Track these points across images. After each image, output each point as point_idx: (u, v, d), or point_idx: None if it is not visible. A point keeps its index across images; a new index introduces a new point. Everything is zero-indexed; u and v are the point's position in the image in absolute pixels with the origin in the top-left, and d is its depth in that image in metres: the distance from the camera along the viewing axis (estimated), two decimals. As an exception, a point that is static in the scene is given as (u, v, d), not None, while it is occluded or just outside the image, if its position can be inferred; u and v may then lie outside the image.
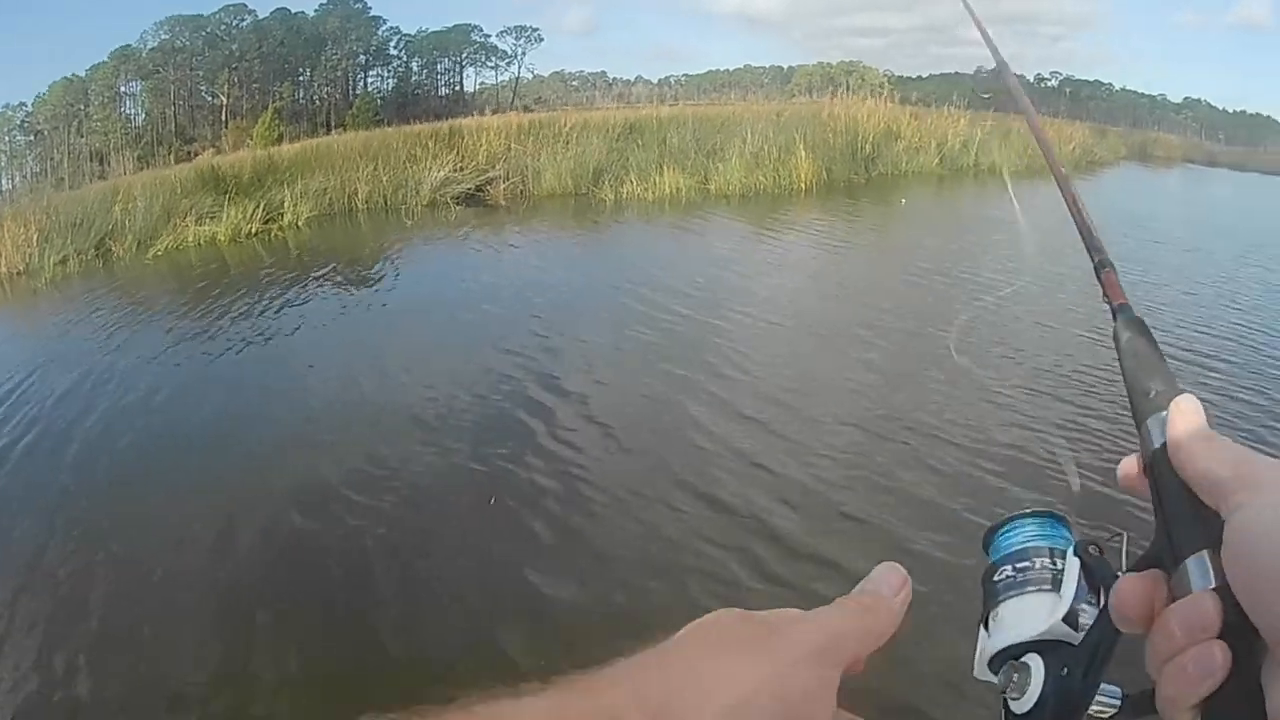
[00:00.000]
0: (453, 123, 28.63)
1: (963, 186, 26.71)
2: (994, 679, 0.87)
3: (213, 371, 10.60)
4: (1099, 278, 0.93)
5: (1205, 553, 0.66)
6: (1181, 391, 0.75)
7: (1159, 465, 0.74)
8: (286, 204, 22.41)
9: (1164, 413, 0.75)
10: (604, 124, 27.29)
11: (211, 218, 21.05)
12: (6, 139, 50.45)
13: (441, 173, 24.27)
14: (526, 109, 54.89)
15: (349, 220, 22.83)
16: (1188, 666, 0.59)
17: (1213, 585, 0.64)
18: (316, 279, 15.52)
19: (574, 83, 74.29)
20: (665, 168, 23.43)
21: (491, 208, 23.50)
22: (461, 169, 24.94)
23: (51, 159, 50.63)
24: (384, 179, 24.20)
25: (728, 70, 73.27)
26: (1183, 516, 0.71)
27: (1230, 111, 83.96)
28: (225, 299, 14.22)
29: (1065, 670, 0.82)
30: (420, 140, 26.02)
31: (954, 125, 30.28)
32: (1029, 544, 0.92)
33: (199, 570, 5.93)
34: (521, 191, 24.30)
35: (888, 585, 0.74)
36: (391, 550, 6.07)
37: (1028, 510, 0.94)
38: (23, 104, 50.85)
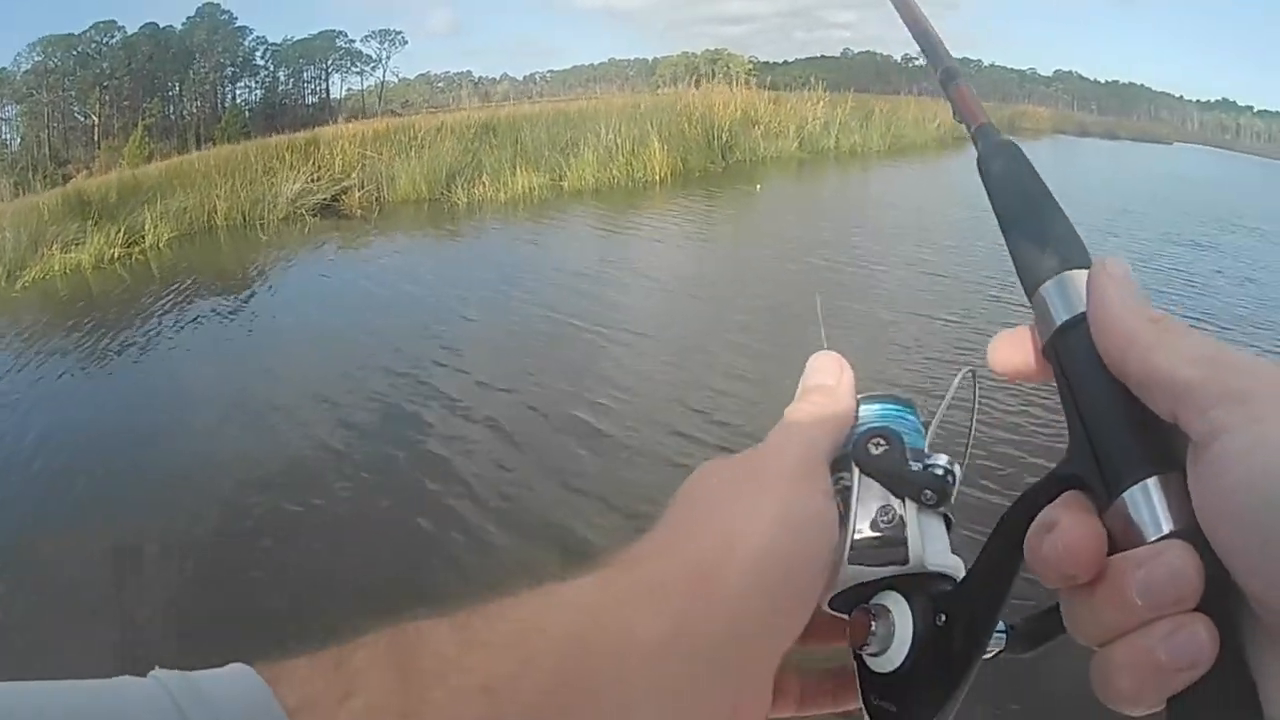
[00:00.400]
0: (311, 133, 28.03)
1: (821, 169, 26.64)
2: (845, 619, 0.70)
3: (87, 400, 10.24)
4: (947, 94, 0.79)
5: (1155, 480, 0.49)
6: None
7: (1072, 349, 0.56)
8: (147, 226, 21.73)
9: (1070, 274, 0.58)
10: (460, 126, 26.87)
11: (77, 244, 20.33)
12: None
13: (296, 185, 23.66)
14: (393, 113, 54.45)
15: (209, 238, 22.20)
16: (1157, 652, 0.44)
17: (1172, 528, 0.46)
18: (175, 302, 15.10)
19: (439, 84, 73.84)
20: (518, 167, 23.03)
21: (347, 217, 23.02)
22: (317, 179, 24.33)
23: None
24: (241, 195, 23.57)
25: (592, 65, 72.83)
26: (1120, 425, 0.52)
27: (1102, 82, 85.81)
28: (93, 328, 13.82)
29: (944, 618, 0.66)
30: (278, 153, 25.38)
31: (813, 109, 30.26)
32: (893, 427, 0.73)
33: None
34: (376, 199, 23.77)
35: (829, 373, 0.72)
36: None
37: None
38: None
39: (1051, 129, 57.52)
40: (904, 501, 0.69)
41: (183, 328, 13.31)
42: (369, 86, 62.69)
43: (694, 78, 60.06)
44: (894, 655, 0.67)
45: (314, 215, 23.31)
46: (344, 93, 61.32)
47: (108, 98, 51.51)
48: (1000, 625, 0.64)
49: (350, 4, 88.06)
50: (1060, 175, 26.31)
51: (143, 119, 50.68)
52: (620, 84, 59.72)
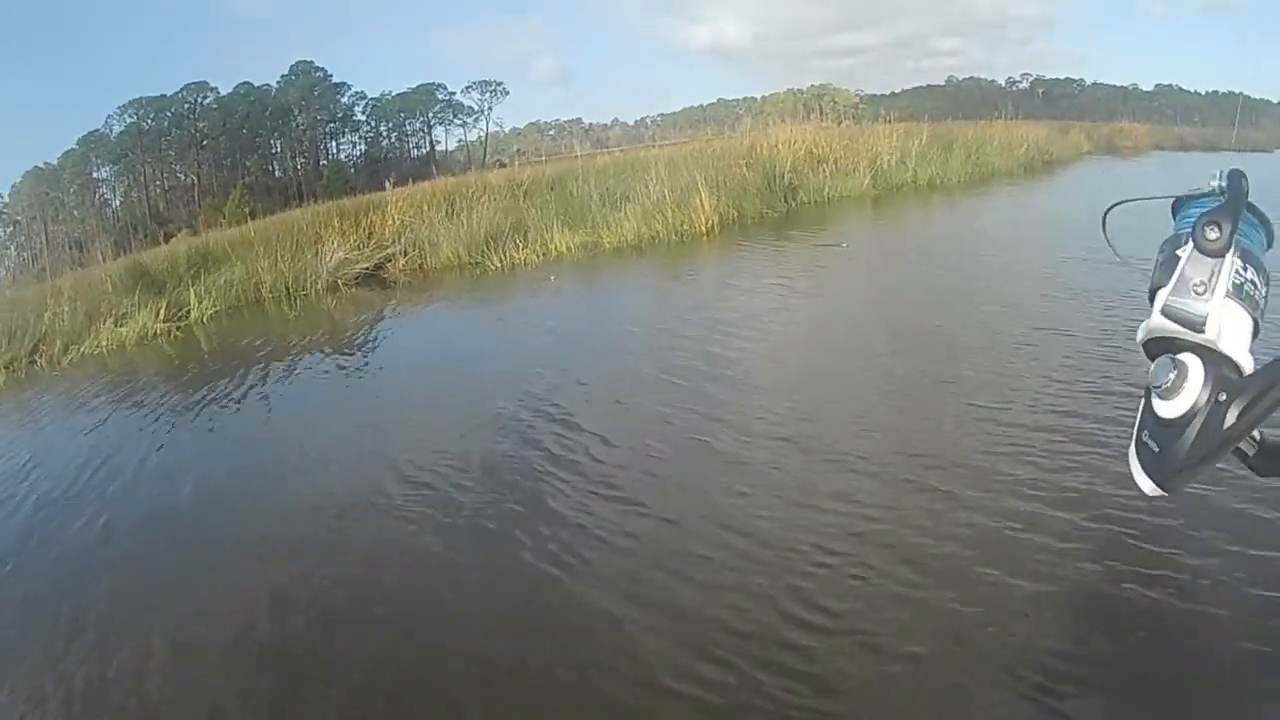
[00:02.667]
0: (369, 197, 25.60)
1: (900, 208, 23.17)
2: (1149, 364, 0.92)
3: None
4: None
5: None
6: None
7: None
8: (192, 300, 20.28)
9: None
10: (508, 185, 24.25)
11: (129, 318, 19.24)
12: None
13: (338, 255, 21.68)
14: (500, 164, 52.73)
15: (256, 311, 20.39)
16: None
17: None
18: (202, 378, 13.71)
19: (550, 132, 72.22)
20: (556, 227, 20.24)
21: (389, 286, 20.82)
22: (361, 248, 22.27)
23: (31, 249, 49.24)
24: (284, 266, 21.73)
25: (701, 106, 70.97)
26: None
27: (1203, 93, 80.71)
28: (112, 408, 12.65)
29: (1223, 397, 0.84)
30: (328, 220, 23.24)
31: (887, 140, 26.88)
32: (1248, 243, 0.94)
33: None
34: (420, 266, 21.57)
35: None
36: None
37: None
38: None
39: (1151, 145, 52.86)
40: (1218, 285, 0.89)
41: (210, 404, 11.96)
42: (474, 138, 61.71)
43: (804, 113, 57.69)
44: (1175, 405, 0.86)
45: (357, 284, 21.32)
46: (449, 144, 60.83)
47: (206, 157, 51.08)
48: (1256, 434, 0.83)
49: (451, 57, 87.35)
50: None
51: (242, 177, 50.51)
52: (731, 124, 56.75)
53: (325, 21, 78.86)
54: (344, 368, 13.13)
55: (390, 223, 22.98)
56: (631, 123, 69.63)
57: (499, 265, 19.96)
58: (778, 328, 10.99)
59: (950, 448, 6.40)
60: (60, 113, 72.25)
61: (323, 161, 53.01)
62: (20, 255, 48.45)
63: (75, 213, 47.73)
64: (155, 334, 18.95)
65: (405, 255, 21.74)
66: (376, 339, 15.10)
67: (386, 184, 25.47)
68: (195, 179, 49.45)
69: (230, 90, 50.84)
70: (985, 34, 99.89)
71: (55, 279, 30.44)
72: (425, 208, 23.17)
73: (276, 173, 52.34)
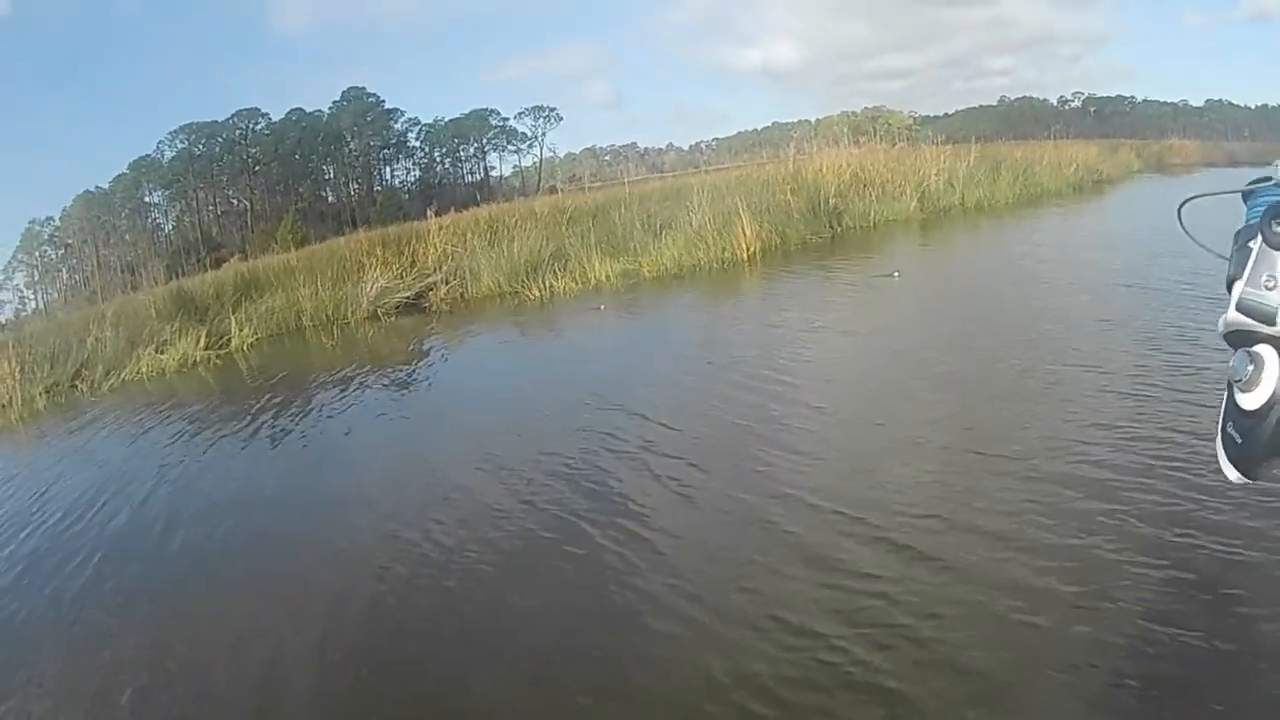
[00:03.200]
0: (413, 225, 25.22)
1: (950, 232, 22.37)
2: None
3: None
4: None
5: None
6: None
7: None
8: (233, 329, 20.25)
9: None
10: (551, 212, 23.79)
11: (170, 345, 19.19)
12: (37, 254, 49.74)
13: (379, 284, 21.40)
14: (553, 189, 52.48)
15: (297, 339, 20.19)
16: None
17: None
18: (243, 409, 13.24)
19: (606, 157, 71.87)
20: (596, 256, 19.75)
21: (429, 315, 20.52)
22: (403, 276, 21.98)
23: (83, 272, 49.65)
24: (324, 295, 21.53)
25: (755, 130, 70.42)
26: None
27: (1253, 107, 79.08)
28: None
29: None
30: (369, 248, 22.95)
31: (934, 163, 26.11)
32: None
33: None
34: (461, 295, 21.22)
35: None
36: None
37: None
38: (50, 218, 49.95)
39: (1200, 161, 51.60)
40: None
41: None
42: (528, 164, 61.42)
43: (858, 137, 57.01)
44: (1255, 397, 0.87)
45: (398, 313, 21.05)
46: (504, 170, 60.62)
47: (258, 182, 51.95)
48: None
49: (505, 83, 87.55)
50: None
51: (294, 203, 50.90)
52: (785, 147, 56.46)
53: (377, 48, 79.40)
54: (384, 401, 12.69)
55: (432, 251, 22.55)
56: (686, 147, 69.36)
57: (538, 295, 19.51)
58: (824, 371, 10.34)
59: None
60: (111, 137, 73.19)
61: (376, 187, 53.13)
62: (72, 278, 49.07)
63: (127, 237, 48.24)
64: (196, 361, 18.86)
65: (446, 284, 21.38)
66: (418, 372, 14.67)
67: (429, 212, 25.00)
68: (248, 204, 49.74)
69: (282, 116, 51.19)
70: (1036, 51, 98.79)
71: (105, 302, 30.93)
72: (468, 235, 22.76)
73: (330, 198, 52.51)
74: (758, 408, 8.73)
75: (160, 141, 48.76)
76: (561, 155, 65.49)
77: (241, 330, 20.24)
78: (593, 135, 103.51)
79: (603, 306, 16.21)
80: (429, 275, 21.81)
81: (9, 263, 49.44)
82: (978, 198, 26.26)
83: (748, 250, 19.71)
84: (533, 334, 16.40)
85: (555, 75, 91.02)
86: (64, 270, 49.38)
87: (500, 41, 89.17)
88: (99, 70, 63.60)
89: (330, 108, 52.59)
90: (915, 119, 72.94)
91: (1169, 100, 79.72)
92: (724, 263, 19.57)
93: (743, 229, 19.78)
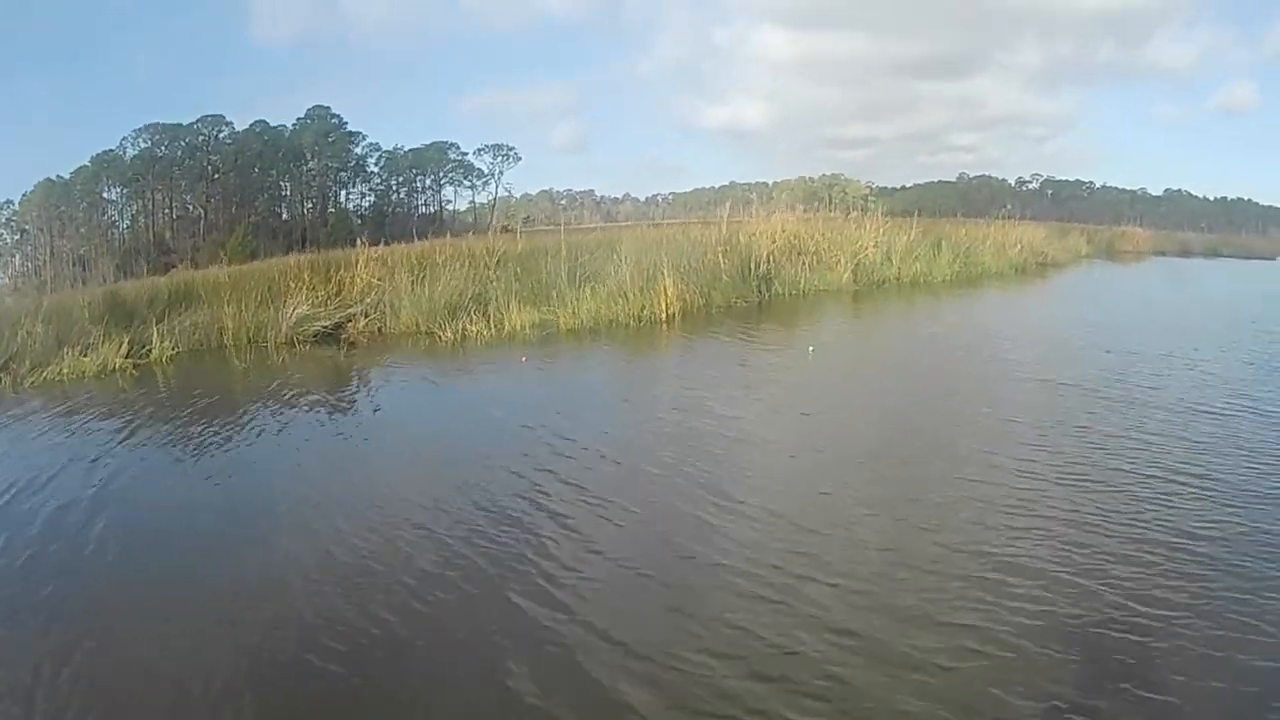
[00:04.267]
0: (341, 253, 24.46)
1: (877, 306, 21.85)
2: None
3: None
4: None
5: None
6: None
7: None
8: (154, 340, 19.36)
9: None
10: (483, 254, 23.06)
11: (94, 349, 18.44)
12: None
13: (299, 310, 20.52)
14: (505, 229, 51.82)
15: (217, 357, 19.35)
16: None
17: None
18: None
19: (562, 201, 71.54)
20: (515, 304, 19.07)
21: (348, 346, 19.71)
22: (326, 304, 21.15)
23: (36, 260, 48.51)
24: (245, 315, 20.68)
25: (713, 188, 70.19)
26: None
27: (1211, 199, 79.88)
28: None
29: None
30: (297, 273, 22.03)
31: (872, 235, 25.67)
32: None
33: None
34: (379, 329, 20.39)
35: None
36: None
37: None
38: (9, 201, 48.74)
39: (1151, 250, 51.69)
40: None
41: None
42: (482, 201, 60.75)
43: (814, 203, 56.80)
44: None
45: (316, 342, 20.11)
46: (458, 205, 59.82)
47: (216, 191, 50.49)
48: None
49: (467, 116, 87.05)
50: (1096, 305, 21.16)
51: (248, 216, 49.77)
52: (742, 207, 56.29)
53: (347, 69, 78.60)
54: (286, 431, 11.85)
55: (358, 282, 21.76)
56: (643, 199, 69.29)
57: (451, 337, 18.76)
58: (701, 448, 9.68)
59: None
60: (76, 128, 72.05)
61: (331, 209, 52.27)
62: (25, 264, 47.93)
63: (82, 230, 47.17)
64: (115, 369, 18.07)
65: (366, 317, 20.57)
66: (338, 403, 13.82)
67: (360, 240, 24.31)
68: (203, 212, 48.74)
69: (245, 127, 50.24)
70: (1002, 130, 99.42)
71: (52, 293, 30.10)
72: (397, 270, 21.92)
73: (284, 215, 51.57)
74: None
75: (124, 138, 47.76)
76: (518, 195, 65.08)
77: (162, 342, 19.46)
78: (552, 178, 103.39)
79: (524, 358, 15.34)
80: (350, 306, 21.01)
81: None
82: (914, 273, 25.85)
83: (667, 310, 19.12)
84: (450, 378, 15.58)
85: (521, 114, 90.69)
86: (18, 256, 48.29)
87: (469, 75, 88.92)
88: (71, 58, 62.59)
89: (294, 124, 51.73)
90: (871, 189, 73.25)
91: (1128, 188, 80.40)
92: (641, 320, 18.96)
93: (664, 288, 19.17)
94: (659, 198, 67.95)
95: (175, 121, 48.35)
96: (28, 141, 64.99)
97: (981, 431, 9.73)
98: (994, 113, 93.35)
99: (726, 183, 67.95)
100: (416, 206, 56.25)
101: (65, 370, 17.82)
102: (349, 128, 52.95)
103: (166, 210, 48.46)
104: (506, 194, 60.63)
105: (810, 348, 15.02)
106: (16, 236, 48.35)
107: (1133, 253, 49.55)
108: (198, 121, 48.74)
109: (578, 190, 70.15)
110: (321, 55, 76.28)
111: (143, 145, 47.75)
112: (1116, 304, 23.38)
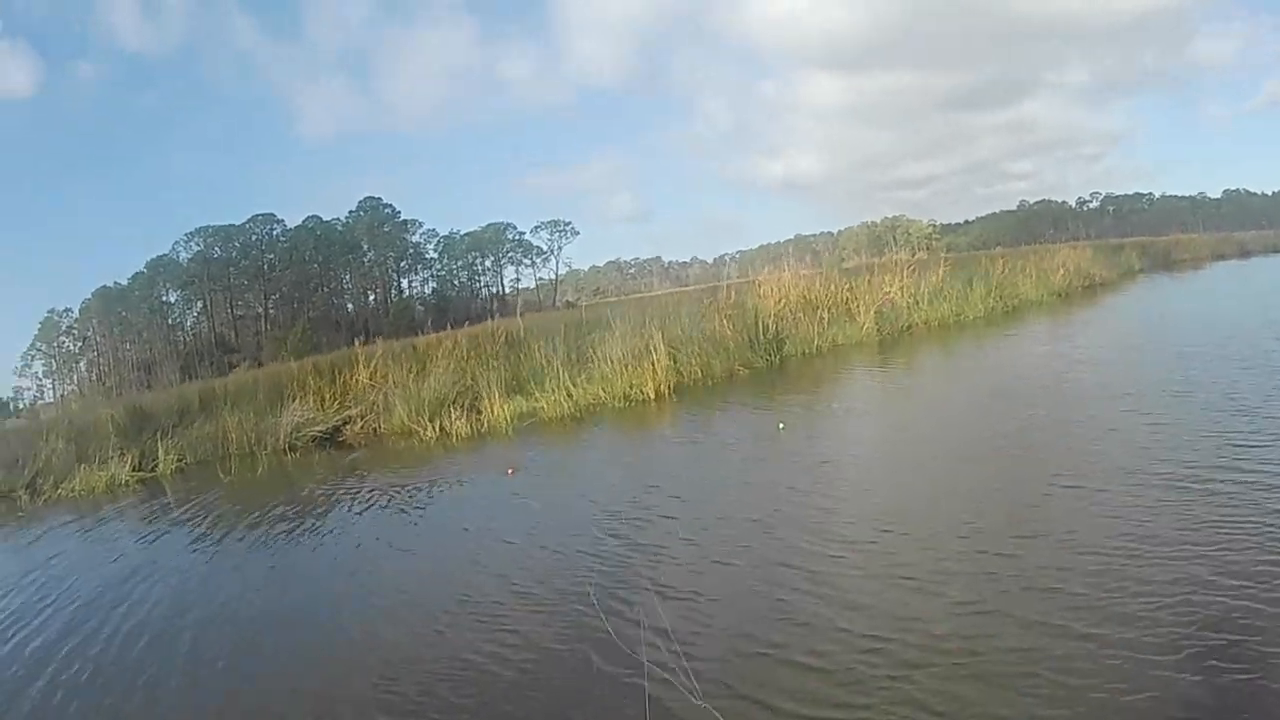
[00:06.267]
0: (344, 354, 23.21)
1: (897, 358, 19.32)
2: None
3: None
4: None
5: None
6: None
7: None
8: (160, 453, 18.83)
9: None
10: (483, 339, 21.37)
11: (104, 465, 18.17)
12: (55, 344, 49.22)
13: (296, 416, 19.51)
14: (570, 303, 50.41)
15: (224, 467, 17.78)
16: None
17: None
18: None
19: (630, 270, 69.98)
20: (497, 395, 17.14)
21: (345, 448, 18.31)
22: (325, 408, 19.97)
23: (100, 366, 48.50)
24: (245, 424, 19.72)
25: (778, 242, 67.96)
26: None
27: (1269, 194, 75.18)
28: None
29: None
30: (301, 377, 21.12)
31: (896, 281, 23.29)
32: None
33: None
34: (375, 430, 18.84)
35: None
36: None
37: None
38: (69, 310, 50.40)
39: (1210, 255, 48.02)
40: None
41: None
42: (545, 278, 59.39)
43: (878, 248, 54.47)
44: None
45: (314, 445, 18.98)
46: (526, 283, 58.58)
47: (274, 288, 50.11)
48: None
49: (522, 195, 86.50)
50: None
51: (307, 311, 49.37)
52: (809, 259, 54.31)
53: (395, 157, 78.87)
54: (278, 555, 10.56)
55: (357, 383, 20.20)
56: (710, 259, 67.32)
57: (432, 436, 17.01)
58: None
59: None
60: (128, 234, 73.84)
61: (392, 297, 51.42)
62: (90, 370, 48.09)
63: (144, 334, 47.15)
64: (125, 482, 17.69)
65: (363, 418, 19.06)
66: (312, 522, 12.04)
67: (356, 341, 23.00)
68: (263, 309, 48.28)
69: (298, 224, 49.93)
70: (1057, 153, 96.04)
71: (120, 397, 29.81)
72: (397, 367, 20.26)
73: (349, 307, 50.88)
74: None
75: (176, 242, 48.17)
76: (586, 268, 63.84)
77: (168, 455, 18.82)
78: (618, 248, 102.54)
79: (511, 471, 13.09)
80: (349, 409, 19.47)
81: (28, 350, 48.93)
82: (943, 314, 23.31)
83: (657, 388, 17.01)
84: (405, 501, 13.35)
85: (577, 188, 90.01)
86: (82, 363, 48.60)
87: (521, 154, 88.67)
88: (118, 165, 64.01)
89: (346, 216, 51.45)
90: (935, 227, 70.45)
91: (1186, 194, 76.22)
92: (629, 401, 16.89)
93: (654, 364, 17.08)
94: (726, 256, 65.97)
95: (227, 223, 48.54)
96: (81, 250, 66.19)
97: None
98: (1046, 135, 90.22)
99: (791, 236, 66.25)
100: (479, 289, 55.24)
101: (78, 486, 17.59)
102: (402, 217, 52.29)
103: (226, 310, 48.33)
104: (567, 268, 59.39)
105: (780, 425, 12.66)
106: (79, 344, 48.59)
107: (1190, 260, 45.90)
108: (249, 221, 48.76)
109: (644, 258, 68.76)
110: (368, 148, 76.85)
111: (196, 248, 47.92)
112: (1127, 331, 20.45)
